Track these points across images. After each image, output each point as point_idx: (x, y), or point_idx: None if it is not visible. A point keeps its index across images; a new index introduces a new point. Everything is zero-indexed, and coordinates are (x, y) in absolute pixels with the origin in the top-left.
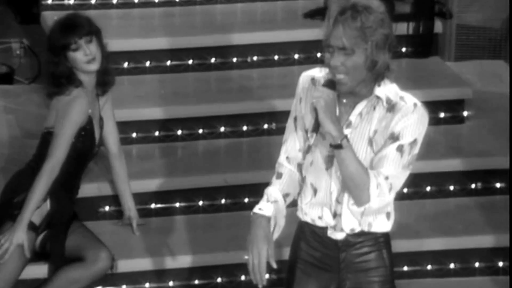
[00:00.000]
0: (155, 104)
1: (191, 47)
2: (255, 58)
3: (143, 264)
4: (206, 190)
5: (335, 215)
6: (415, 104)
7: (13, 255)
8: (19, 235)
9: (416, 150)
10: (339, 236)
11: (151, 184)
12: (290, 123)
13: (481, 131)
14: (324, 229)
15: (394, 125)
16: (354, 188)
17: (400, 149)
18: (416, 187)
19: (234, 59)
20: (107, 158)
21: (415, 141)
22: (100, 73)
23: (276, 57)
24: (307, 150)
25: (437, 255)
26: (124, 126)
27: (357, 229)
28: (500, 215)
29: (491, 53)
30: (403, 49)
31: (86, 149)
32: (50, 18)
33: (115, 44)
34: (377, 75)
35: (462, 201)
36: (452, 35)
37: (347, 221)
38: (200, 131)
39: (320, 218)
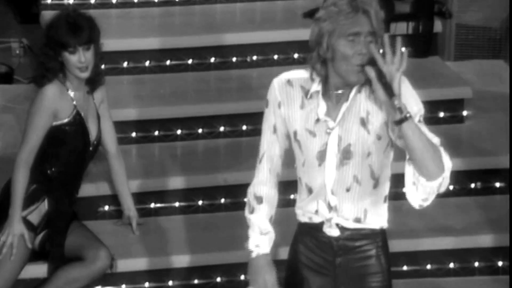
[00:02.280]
0: (155, 104)
1: (190, 46)
2: (254, 57)
3: (143, 263)
4: (206, 190)
5: (330, 207)
6: None
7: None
8: (17, 227)
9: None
10: (334, 232)
11: (151, 184)
12: (267, 136)
13: (480, 131)
14: (320, 226)
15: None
16: (433, 158)
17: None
18: None
19: (234, 59)
20: (106, 158)
21: (420, 106)
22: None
23: (275, 57)
24: (296, 151)
25: (437, 255)
26: (123, 126)
27: (359, 215)
28: (500, 214)
29: (491, 53)
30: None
31: (81, 147)
32: (49, 17)
33: (114, 44)
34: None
35: (462, 200)
36: (451, 35)
37: (348, 210)
38: (200, 130)
39: (316, 212)
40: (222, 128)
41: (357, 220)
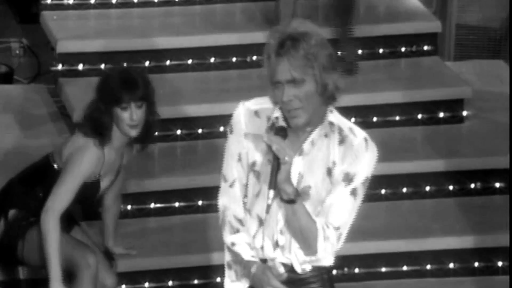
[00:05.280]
0: None
1: (190, 46)
2: (254, 57)
3: (143, 263)
4: (206, 190)
5: (276, 245)
6: (365, 140)
7: None
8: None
9: (367, 186)
10: (279, 270)
11: (151, 184)
12: (233, 163)
13: (480, 131)
14: (264, 261)
15: (348, 165)
16: (303, 241)
17: (354, 192)
18: (415, 187)
19: (234, 59)
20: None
21: (367, 178)
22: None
23: None
24: (251, 181)
25: (437, 255)
26: None
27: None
28: (499, 215)
29: (491, 53)
30: (403, 49)
31: (86, 196)
32: (49, 18)
33: (114, 44)
34: (328, 97)
35: (461, 200)
36: (451, 35)
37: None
38: (200, 130)
39: (261, 248)
40: (221, 128)
41: (303, 263)
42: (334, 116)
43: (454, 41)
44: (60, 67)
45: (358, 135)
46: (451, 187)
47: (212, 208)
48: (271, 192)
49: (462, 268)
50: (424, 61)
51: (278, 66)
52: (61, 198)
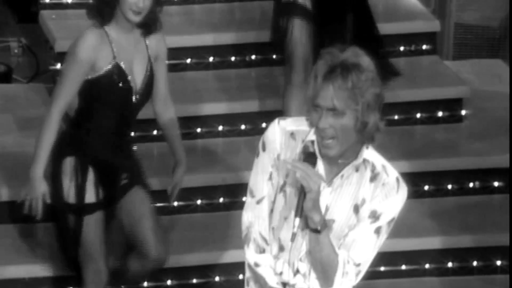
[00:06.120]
0: None
1: (189, 46)
2: (253, 57)
3: None
4: (204, 189)
5: (296, 272)
6: (397, 180)
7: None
8: (39, 187)
9: (392, 226)
10: None
11: (149, 183)
12: (265, 180)
13: (479, 130)
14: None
15: (376, 203)
16: (321, 272)
17: (378, 230)
18: (415, 186)
19: (233, 58)
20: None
21: (393, 219)
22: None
23: (274, 56)
24: (278, 202)
25: (435, 254)
26: None
27: None
28: (498, 214)
29: (489, 52)
30: (401, 48)
31: (119, 100)
32: (48, 17)
33: None
34: (366, 137)
35: (460, 200)
36: (450, 34)
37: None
38: (198, 130)
39: (280, 274)
40: (220, 128)
41: None
42: (369, 153)
43: (453, 40)
44: (59, 66)
45: (391, 174)
46: (449, 186)
47: (210, 206)
48: (297, 220)
49: (461, 267)
50: (423, 60)
51: (322, 90)
52: (61, 90)
